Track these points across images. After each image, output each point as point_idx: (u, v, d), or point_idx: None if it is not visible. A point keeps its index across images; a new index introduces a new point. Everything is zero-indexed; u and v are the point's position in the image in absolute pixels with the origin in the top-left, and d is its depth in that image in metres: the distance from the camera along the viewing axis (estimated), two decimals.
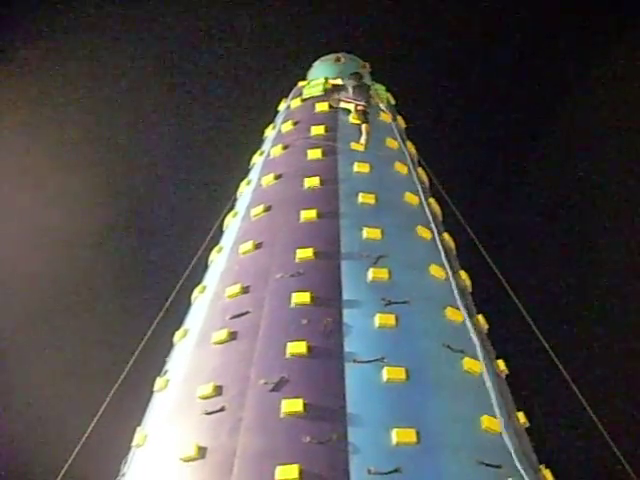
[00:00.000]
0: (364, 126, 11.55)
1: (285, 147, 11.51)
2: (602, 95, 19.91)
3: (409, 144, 12.32)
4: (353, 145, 11.26)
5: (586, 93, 20.01)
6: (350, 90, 12.25)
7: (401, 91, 14.03)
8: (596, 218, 19.49)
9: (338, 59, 13.85)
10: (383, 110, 12.46)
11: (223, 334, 8.56)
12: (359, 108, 11.89)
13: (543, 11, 21.13)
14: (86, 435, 9.64)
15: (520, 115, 20.85)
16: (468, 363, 8.26)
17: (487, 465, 7.27)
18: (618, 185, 19.63)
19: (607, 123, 20.04)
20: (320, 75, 13.49)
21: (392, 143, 11.73)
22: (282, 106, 13.32)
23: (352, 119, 11.82)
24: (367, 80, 13.31)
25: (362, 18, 21.70)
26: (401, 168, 11.20)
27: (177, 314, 10.44)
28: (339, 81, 12.74)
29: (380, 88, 13.12)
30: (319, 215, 9.76)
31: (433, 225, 10.41)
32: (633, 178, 19.23)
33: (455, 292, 9.48)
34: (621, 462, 8.95)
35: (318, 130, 11.51)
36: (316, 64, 14.35)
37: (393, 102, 13.45)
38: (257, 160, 12.19)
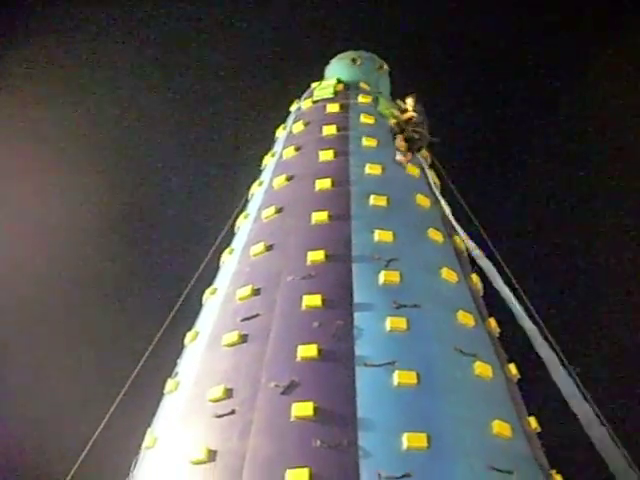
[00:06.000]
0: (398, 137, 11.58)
1: (297, 149, 11.48)
2: (603, 98, 19.83)
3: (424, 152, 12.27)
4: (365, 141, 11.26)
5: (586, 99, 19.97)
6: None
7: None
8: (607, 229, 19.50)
9: (355, 60, 13.78)
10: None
11: (234, 336, 8.54)
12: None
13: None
14: (95, 436, 9.64)
15: (538, 122, 20.87)
16: (479, 367, 8.22)
17: (498, 470, 7.24)
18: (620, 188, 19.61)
19: (608, 124, 19.98)
20: (335, 75, 13.47)
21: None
22: (294, 107, 13.31)
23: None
24: (384, 82, 13.42)
25: (379, 15, 21.69)
26: (413, 170, 11.17)
27: (188, 316, 10.42)
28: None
29: (384, 102, 12.95)
30: (330, 217, 9.70)
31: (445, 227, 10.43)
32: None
33: (467, 295, 9.46)
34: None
35: (329, 130, 11.49)
36: (332, 62, 14.27)
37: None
38: (269, 161, 12.17)
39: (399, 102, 13.00)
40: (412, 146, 11.59)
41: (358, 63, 13.74)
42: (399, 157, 11.26)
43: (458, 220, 10.87)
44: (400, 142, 11.49)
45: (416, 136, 11.67)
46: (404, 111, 12.15)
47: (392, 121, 11.88)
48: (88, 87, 20.75)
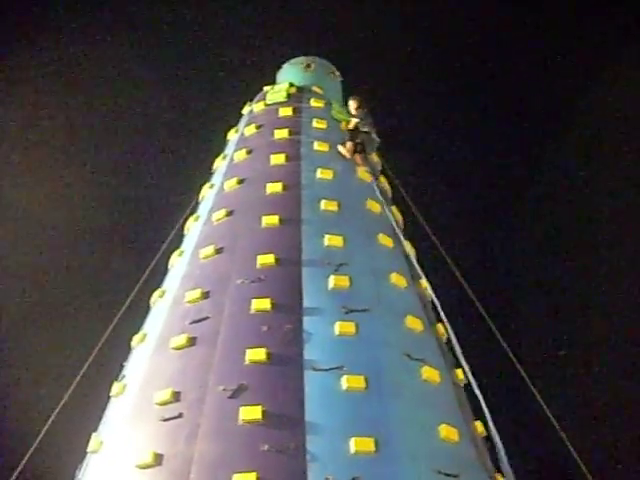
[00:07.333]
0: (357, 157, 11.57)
1: (249, 152, 11.45)
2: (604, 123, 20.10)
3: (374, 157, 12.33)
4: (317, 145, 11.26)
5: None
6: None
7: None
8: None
9: (308, 66, 13.80)
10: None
11: (182, 339, 8.46)
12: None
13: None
14: (39, 439, 9.48)
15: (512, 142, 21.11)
16: (427, 372, 8.27)
17: (445, 474, 7.28)
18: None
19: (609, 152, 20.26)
20: (287, 80, 13.47)
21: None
22: (246, 110, 13.28)
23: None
24: (336, 88, 13.44)
25: (334, 21, 21.75)
26: (364, 175, 11.23)
27: (135, 318, 10.31)
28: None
29: (337, 107, 12.97)
30: (281, 221, 9.69)
31: (394, 233, 10.48)
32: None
33: (415, 301, 9.51)
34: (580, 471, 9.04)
35: (281, 134, 11.49)
36: (285, 67, 14.31)
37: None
38: (220, 164, 12.13)
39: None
40: (359, 149, 11.63)
41: (311, 69, 13.77)
42: (340, 149, 11.41)
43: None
44: (348, 145, 11.52)
45: (360, 140, 11.73)
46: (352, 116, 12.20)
47: (347, 129, 11.95)
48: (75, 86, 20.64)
